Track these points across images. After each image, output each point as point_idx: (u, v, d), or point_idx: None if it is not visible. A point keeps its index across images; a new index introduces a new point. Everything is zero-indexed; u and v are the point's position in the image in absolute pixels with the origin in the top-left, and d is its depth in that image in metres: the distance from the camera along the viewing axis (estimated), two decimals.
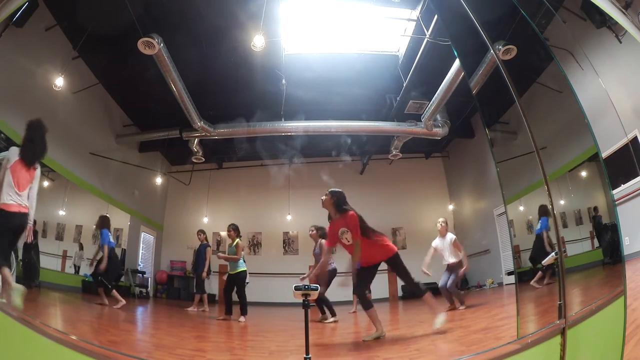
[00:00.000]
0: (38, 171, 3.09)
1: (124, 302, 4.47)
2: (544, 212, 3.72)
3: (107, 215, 4.77)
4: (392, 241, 5.40)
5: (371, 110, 5.04)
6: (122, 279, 4.97)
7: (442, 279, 4.37)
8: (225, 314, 4.55)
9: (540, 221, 4.00)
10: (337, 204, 3.55)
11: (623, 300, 2.27)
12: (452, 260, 4.39)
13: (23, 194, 2.96)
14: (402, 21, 4.57)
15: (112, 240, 4.62)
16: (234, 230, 4.64)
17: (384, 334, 3.31)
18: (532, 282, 3.62)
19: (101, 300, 4.37)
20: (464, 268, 4.38)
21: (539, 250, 3.91)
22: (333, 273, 4.36)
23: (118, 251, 4.99)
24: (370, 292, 3.87)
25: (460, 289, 4.68)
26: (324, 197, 3.60)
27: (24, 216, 2.97)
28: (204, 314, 4.87)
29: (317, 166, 5.28)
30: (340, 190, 3.63)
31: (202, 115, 4.79)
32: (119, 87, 4.90)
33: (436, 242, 4.51)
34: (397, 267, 3.51)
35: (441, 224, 4.52)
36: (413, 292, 3.63)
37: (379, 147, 5.45)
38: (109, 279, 4.47)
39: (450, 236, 4.48)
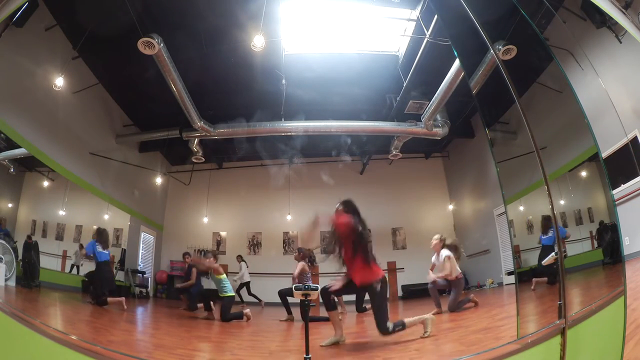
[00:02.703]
0: None
1: (122, 299, 4.50)
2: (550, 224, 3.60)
3: (98, 228, 4.74)
4: (392, 241, 5.52)
5: (371, 110, 5.03)
6: (122, 279, 4.96)
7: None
8: (206, 311, 4.63)
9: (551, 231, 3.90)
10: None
11: (623, 300, 2.27)
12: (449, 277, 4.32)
13: None
14: (402, 21, 4.57)
15: (100, 250, 4.54)
16: (214, 256, 4.83)
17: (344, 339, 3.23)
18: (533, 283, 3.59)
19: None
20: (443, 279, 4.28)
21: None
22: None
23: (118, 251, 4.99)
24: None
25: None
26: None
27: None
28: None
29: (317, 166, 5.27)
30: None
31: (202, 115, 4.78)
32: (119, 87, 4.90)
33: (433, 259, 4.46)
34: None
35: (434, 241, 4.40)
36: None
37: (379, 147, 5.44)
38: (99, 292, 4.45)
39: (445, 253, 4.35)
